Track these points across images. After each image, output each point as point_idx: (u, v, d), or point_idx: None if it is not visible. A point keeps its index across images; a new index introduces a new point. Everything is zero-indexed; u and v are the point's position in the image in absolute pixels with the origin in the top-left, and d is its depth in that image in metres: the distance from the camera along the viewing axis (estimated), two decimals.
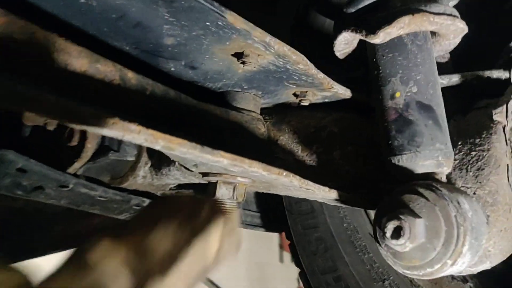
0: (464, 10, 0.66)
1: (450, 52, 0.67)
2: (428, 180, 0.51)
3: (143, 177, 0.71)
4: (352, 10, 0.53)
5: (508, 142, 0.56)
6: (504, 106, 0.57)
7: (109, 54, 0.46)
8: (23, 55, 0.37)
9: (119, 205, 0.74)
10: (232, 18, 0.45)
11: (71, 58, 0.39)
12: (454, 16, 0.52)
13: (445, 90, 0.66)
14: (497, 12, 0.71)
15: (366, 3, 0.52)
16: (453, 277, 0.76)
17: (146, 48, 0.51)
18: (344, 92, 0.58)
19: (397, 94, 0.52)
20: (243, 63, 0.50)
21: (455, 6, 0.58)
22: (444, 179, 0.53)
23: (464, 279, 0.76)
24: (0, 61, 0.35)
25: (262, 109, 0.63)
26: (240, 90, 0.59)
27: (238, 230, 0.36)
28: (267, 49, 0.49)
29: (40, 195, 0.70)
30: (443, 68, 0.66)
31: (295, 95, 0.62)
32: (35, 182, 0.64)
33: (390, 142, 0.52)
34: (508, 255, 0.56)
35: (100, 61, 0.42)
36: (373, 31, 0.51)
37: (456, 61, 0.69)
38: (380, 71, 0.53)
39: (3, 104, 0.33)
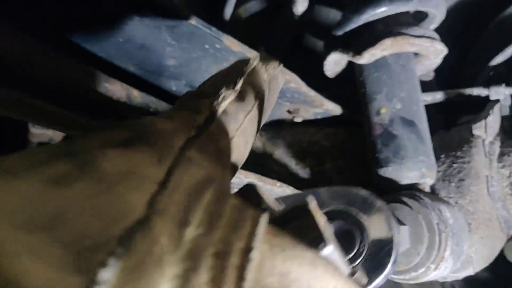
0: (447, 30, 0.71)
1: (436, 71, 0.72)
2: (412, 190, 0.55)
3: None
4: (340, 32, 0.58)
5: (487, 154, 0.60)
6: (483, 121, 0.61)
7: (116, 74, 0.51)
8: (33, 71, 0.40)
9: None
10: (229, 41, 0.49)
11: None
12: (433, 38, 0.56)
13: (431, 107, 0.71)
14: (478, 32, 0.76)
15: (353, 26, 0.57)
16: (443, 286, 0.79)
17: (150, 69, 0.55)
18: (334, 109, 0.62)
19: (383, 111, 0.56)
20: None
21: (439, 28, 0.63)
22: (427, 189, 0.57)
23: (453, 286, 0.79)
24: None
25: None
26: None
27: None
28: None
29: None
30: (427, 86, 0.71)
31: (288, 111, 0.66)
32: None
33: (376, 155, 0.55)
34: (490, 261, 0.60)
35: (108, 80, 0.47)
36: (358, 52, 0.55)
37: (442, 79, 0.74)
38: (367, 89, 0.58)
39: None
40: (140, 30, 0.48)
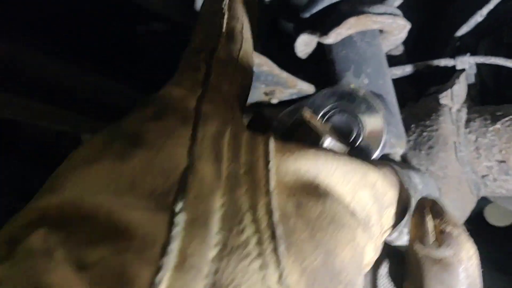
0: (415, 4, 0.74)
1: (405, 44, 0.74)
2: (383, 160, 0.58)
3: None
4: (307, 15, 0.60)
5: (454, 122, 0.63)
6: (449, 90, 0.64)
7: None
8: None
9: None
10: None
11: None
12: (395, 14, 0.59)
13: (402, 80, 0.74)
14: (445, 4, 0.78)
15: (319, 8, 0.59)
16: None
17: None
18: (308, 88, 0.65)
19: (352, 86, 0.59)
20: None
21: (404, 3, 0.66)
22: (397, 158, 0.60)
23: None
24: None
25: None
26: None
27: None
28: None
29: None
30: (397, 60, 0.74)
31: (265, 93, 0.69)
32: None
33: None
34: (462, 222, 0.63)
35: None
36: (325, 32, 0.58)
37: (411, 52, 0.77)
38: (336, 67, 0.60)
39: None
40: None
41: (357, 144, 0.43)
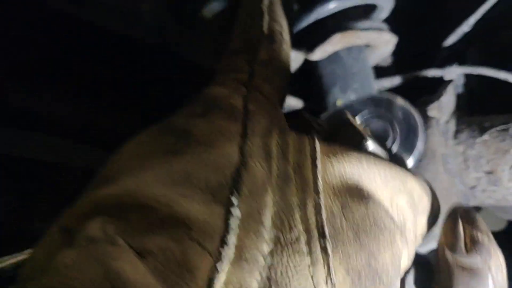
0: (402, 15, 0.74)
1: (394, 55, 0.75)
2: None
3: None
4: (294, 31, 0.61)
5: (442, 134, 0.64)
6: (437, 102, 0.64)
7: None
8: None
9: None
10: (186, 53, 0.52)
11: None
12: (381, 29, 0.59)
13: (390, 91, 0.74)
14: (432, 14, 0.78)
15: (305, 24, 0.60)
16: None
17: None
18: (296, 103, 0.66)
19: (338, 102, 0.60)
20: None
21: (391, 15, 0.66)
22: None
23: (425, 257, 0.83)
24: None
25: None
26: None
27: None
28: None
29: None
30: (385, 71, 0.74)
31: None
32: None
33: None
34: None
35: None
36: (310, 49, 0.59)
37: (400, 63, 0.77)
38: (323, 83, 0.61)
39: None
40: None
41: (393, 150, 0.43)
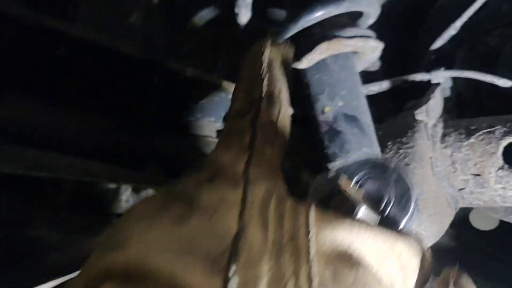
0: (389, 20, 0.75)
1: (382, 60, 0.75)
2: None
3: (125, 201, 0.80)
4: (281, 40, 0.62)
5: (430, 137, 0.65)
6: (425, 106, 0.65)
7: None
8: None
9: None
10: (176, 66, 0.53)
11: None
12: (367, 36, 0.60)
13: (380, 95, 0.75)
14: (421, 18, 0.79)
15: (291, 33, 0.60)
16: None
17: None
18: None
19: (326, 109, 0.60)
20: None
21: (377, 21, 0.67)
22: None
23: None
24: None
25: (218, 131, 0.72)
26: (194, 119, 0.68)
27: None
28: (216, 88, 0.58)
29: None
30: (374, 76, 0.75)
31: None
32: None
33: (324, 151, 0.60)
34: (441, 235, 0.65)
35: None
36: (298, 58, 0.59)
37: (388, 67, 0.78)
38: (311, 90, 0.62)
39: None
40: None
41: (387, 211, 0.45)
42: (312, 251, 0.27)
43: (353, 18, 0.66)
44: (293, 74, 0.69)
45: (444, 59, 0.74)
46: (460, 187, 0.64)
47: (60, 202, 0.97)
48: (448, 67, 0.71)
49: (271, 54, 0.40)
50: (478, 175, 0.62)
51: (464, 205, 0.67)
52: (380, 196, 0.45)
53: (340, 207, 0.34)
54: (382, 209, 0.45)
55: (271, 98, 0.38)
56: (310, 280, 0.25)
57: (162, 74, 0.57)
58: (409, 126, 0.65)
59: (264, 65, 0.39)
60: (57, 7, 0.74)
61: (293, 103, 0.70)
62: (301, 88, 0.64)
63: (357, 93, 0.62)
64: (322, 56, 0.60)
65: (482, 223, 0.89)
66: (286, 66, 0.42)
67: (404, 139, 0.64)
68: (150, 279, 0.23)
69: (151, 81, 0.57)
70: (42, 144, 0.48)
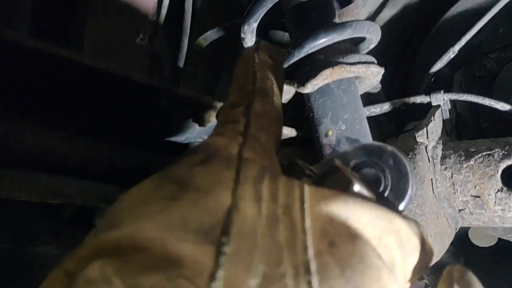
0: (390, 45, 0.77)
1: (383, 82, 0.77)
2: None
3: None
4: (285, 65, 0.63)
5: (430, 159, 0.67)
6: (425, 128, 0.67)
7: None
8: None
9: None
10: (182, 92, 0.55)
11: None
12: (369, 62, 0.62)
13: (381, 116, 0.77)
14: (420, 42, 0.81)
15: (295, 59, 0.62)
16: None
17: None
18: (289, 132, 0.68)
19: (330, 133, 0.62)
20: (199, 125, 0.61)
21: (377, 45, 0.69)
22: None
23: (420, 276, 0.85)
24: None
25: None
26: (200, 140, 0.69)
27: None
28: (215, 110, 0.60)
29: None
30: (375, 98, 0.77)
31: None
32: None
33: None
34: (441, 254, 0.66)
35: None
36: (302, 83, 0.61)
37: (389, 89, 0.80)
38: (314, 114, 0.63)
39: None
40: None
41: (385, 195, 0.46)
42: (307, 222, 0.27)
43: (355, 43, 0.68)
44: (297, 97, 0.71)
45: (443, 81, 0.76)
46: (460, 208, 0.65)
47: (65, 218, 0.98)
48: (447, 89, 0.73)
49: (262, 55, 0.41)
50: (478, 196, 0.64)
51: (464, 225, 0.68)
52: (377, 181, 0.45)
53: (334, 185, 0.33)
54: (380, 193, 0.45)
55: (263, 92, 0.38)
56: (305, 249, 0.25)
57: (169, 97, 0.59)
58: (410, 148, 0.67)
59: (256, 63, 0.40)
60: (63, 29, 0.76)
61: (296, 125, 0.72)
62: (304, 110, 0.66)
63: (359, 116, 0.63)
64: (326, 82, 0.61)
65: (481, 239, 0.90)
66: (278, 66, 0.43)
67: None
68: (141, 249, 0.23)
69: (159, 104, 0.59)
70: (55, 169, 0.50)
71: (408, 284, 0.37)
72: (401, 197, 0.46)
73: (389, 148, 0.48)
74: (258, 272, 0.23)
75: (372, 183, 0.45)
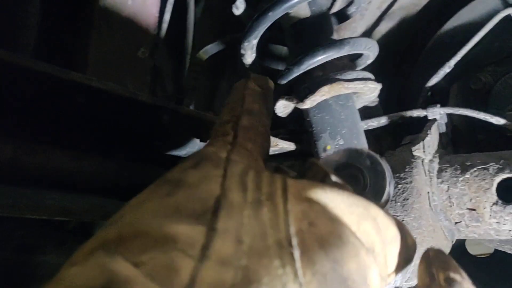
0: (386, 59, 0.78)
1: (380, 97, 0.79)
2: None
3: None
4: (284, 81, 0.65)
5: (427, 173, 0.68)
6: (422, 142, 0.68)
7: None
8: None
9: None
10: (185, 110, 0.56)
11: None
12: (366, 79, 0.64)
13: (379, 129, 0.78)
14: (417, 55, 0.83)
15: (294, 75, 0.64)
16: None
17: None
18: (288, 146, 0.70)
19: (328, 147, 0.64)
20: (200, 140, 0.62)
21: (374, 61, 0.70)
22: None
23: None
24: None
25: None
26: None
27: None
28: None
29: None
30: (373, 112, 0.78)
31: None
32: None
33: None
34: None
35: None
36: (301, 99, 0.63)
37: (386, 103, 0.81)
38: (313, 129, 0.65)
39: None
40: None
41: (364, 194, 0.48)
42: (289, 205, 0.30)
43: (352, 58, 0.69)
44: (296, 111, 0.72)
45: (439, 95, 0.77)
46: (456, 221, 0.67)
47: (69, 228, 0.99)
48: (443, 101, 0.74)
49: (251, 85, 0.46)
50: (474, 209, 0.65)
51: (460, 238, 0.69)
52: (357, 180, 0.47)
53: (313, 179, 0.36)
54: (360, 192, 0.47)
55: (250, 111, 0.42)
56: (287, 226, 0.28)
57: (172, 115, 0.60)
58: (407, 162, 0.68)
59: (247, 91, 0.44)
60: (68, 45, 0.78)
61: (295, 139, 0.73)
62: (303, 125, 0.67)
63: (357, 131, 0.65)
64: (324, 98, 0.63)
65: (477, 249, 0.92)
66: (267, 93, 0.46)
67: (402, 175, 0.67)
68: (141, 235, 0.25)
69: (162, 121, 0.60)
70: (64, 187, 0.51)
71: (392, 276, 0.38)
72: (379, 194, 0.48)
73: (366, 150, 0.50)
74: (246, 244, 0.26)
75: (352, 183, 0.47)
